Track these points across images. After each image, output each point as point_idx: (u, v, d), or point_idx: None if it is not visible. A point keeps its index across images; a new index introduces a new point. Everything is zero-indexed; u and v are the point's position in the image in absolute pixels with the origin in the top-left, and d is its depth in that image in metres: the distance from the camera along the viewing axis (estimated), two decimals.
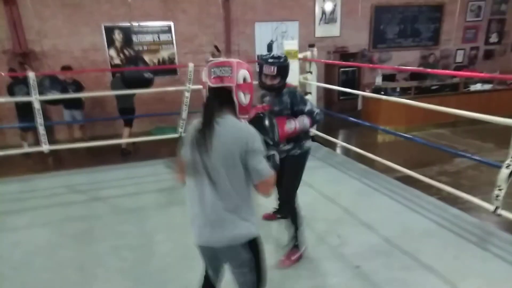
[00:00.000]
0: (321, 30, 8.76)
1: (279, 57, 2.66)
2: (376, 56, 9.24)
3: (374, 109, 7.35)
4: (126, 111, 6.26)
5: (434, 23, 9.55)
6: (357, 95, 8.18)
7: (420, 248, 3.03)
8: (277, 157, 1.85)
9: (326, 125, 6.05)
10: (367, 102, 7.76)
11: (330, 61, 8.32)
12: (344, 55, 8.65)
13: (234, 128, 1.62)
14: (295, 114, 2.65)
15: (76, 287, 2.75)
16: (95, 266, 2.99)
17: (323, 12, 8.69)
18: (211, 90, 1.67)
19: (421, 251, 2.99)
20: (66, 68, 6.47)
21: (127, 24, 7.49)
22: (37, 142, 5.29)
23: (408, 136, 4.24)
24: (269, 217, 3.56)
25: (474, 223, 3.34)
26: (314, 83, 5.51)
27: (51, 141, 5.95)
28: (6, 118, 6.81)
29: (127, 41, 7.59)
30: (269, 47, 8.35)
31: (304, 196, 3.75)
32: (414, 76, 8.40)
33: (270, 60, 2.62)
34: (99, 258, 3.11)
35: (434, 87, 7.83)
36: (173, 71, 7.79)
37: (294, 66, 5.26)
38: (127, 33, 7.56)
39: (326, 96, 9.05)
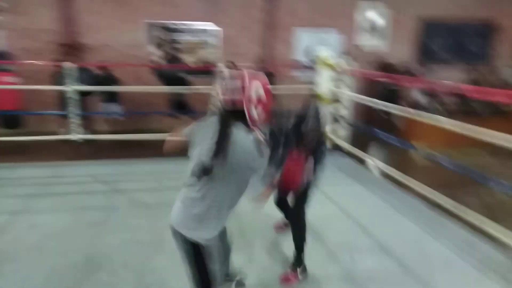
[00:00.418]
0: (363, 40, 8.55)
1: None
2: (420, 72, 8.87)
3: (413, 127, 7.03)
4: (177, 105, 6.50)
5: (484, 40, 9.06)
6: (396, 111, 7.87)
7: (436, 278, 2.83)
8: (273, 171, 1.96)
9: (359, 139, 5.84)
10: (406, 118, 7.45)
11: (363, 71, 7.97)
12: (386, 68, 8.36)
13: (240, 147, 1.68)
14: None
15: (81, 274, 2.80)
16: (102, 256, 3.04)
17: (367, 22, 8.49)
18: (224, 103, 1.74)
19: (436, 281, 2.80)
20: (102, 62, 6.72)
21: (169, 22, 7.69)
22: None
23: (440, 158, 4.01)
24: (279, 227, 3.48)
25: (499, 259, 3.08)
26: (346, 92, 5.36)
27: (91, 131, 6.21)
28: (49, 105, 7.13)
29: (168, 39, 7.77)
30: (307, 54, 8.25)
31: (320, 209, 3.68)
32: (459, 94, 7.98)
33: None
34: (108, 249, 3.15)
35: (480, 108, 7.41)
36: (210, 72, 7.86)
37: (325, 73, 5.16)
38: (168, 31, 7.75)
39: (363, 110, 8.76)
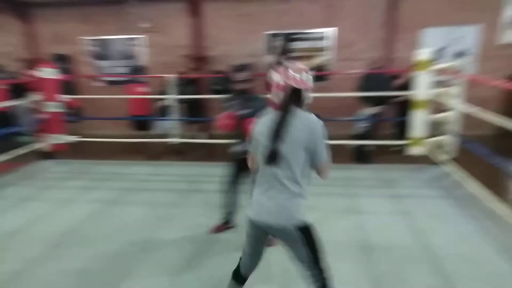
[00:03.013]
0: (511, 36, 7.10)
1: (246, 65, 3.25)
2: None
3: None
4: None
5: None
6: None
7: None
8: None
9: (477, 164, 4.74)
10: None
11: (477, 77, 6.44)
12: None
13: (306, 120, 1.90)
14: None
15: (128, 258, 3.09)
16: (153, 249, 3.24)
17: None
18: (290, 89, 1.93)
19: None
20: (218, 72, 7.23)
21: (287, 31, 7.83)
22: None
23: None
24: (217, 230, 3.53)
25: None
26: (454, 103, 4.47)
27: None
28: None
29: (285, 48, 7.92)
30: (438, 55, 7.27)
31: (392, 226, 3.44)
32: None
33: (239, 68, 3.24)
34: (162, 243, 3.33)
35: None
36: (322, 78, 7.72)
37: (424, 78, 4.50)
38: (286, 40, 7.90)
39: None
